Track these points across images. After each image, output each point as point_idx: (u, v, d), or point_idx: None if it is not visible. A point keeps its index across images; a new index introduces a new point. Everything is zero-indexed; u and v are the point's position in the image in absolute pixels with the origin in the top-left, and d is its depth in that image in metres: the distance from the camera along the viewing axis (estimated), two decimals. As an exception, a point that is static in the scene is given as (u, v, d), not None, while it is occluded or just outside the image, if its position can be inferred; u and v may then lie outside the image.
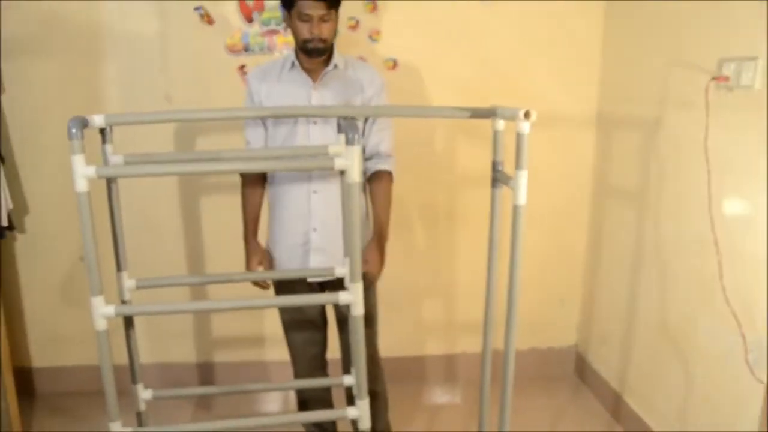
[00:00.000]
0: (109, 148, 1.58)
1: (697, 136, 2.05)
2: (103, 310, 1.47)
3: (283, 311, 2.19)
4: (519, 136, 1.47)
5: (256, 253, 2.11)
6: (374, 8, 2.64)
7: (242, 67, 2.67)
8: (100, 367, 1.52)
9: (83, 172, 1.38)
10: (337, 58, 2.00)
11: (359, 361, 1.54)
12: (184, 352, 2.98)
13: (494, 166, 1.70)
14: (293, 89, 1.98)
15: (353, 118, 1.54)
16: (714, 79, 1.97)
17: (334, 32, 1.94)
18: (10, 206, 2.43)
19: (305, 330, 2.19)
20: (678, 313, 2.28)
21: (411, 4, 2.66)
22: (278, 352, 2.91)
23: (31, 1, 2.53)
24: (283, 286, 2.13)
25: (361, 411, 1.56)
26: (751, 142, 1.86)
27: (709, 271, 2.02)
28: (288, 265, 2.09)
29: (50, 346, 2.91)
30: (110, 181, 1.60)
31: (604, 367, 2.89)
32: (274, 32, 2.66)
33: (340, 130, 1.57)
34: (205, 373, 3.01)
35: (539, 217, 2.78)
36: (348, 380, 1.73)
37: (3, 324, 2.36)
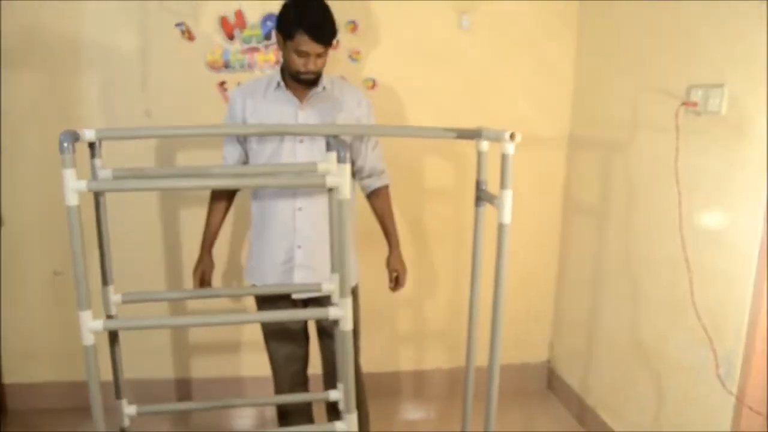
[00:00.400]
0: (98, 162, 1.57)
1: (667, 158, 2.13)
2: (91, 325, 1.46)
3: (266, 327, 2.20)
4: (504, 157, 1.52)
5: (204, 263, 2.21)
6: (355, 28, 2.69)
7: (222, 83, 2.69)
8: (87, 382, 1.51)
9: (74, 186, 1.38)
10: (324, 80, 2.03)
11: (348, 375, 1.56)
12: (159, 368, 2.94)
13: (478, 185, 1.75)
14: (279, 108, 2.01)
15: (343, 137, 1.57)
16: (683, 104, 2.06)
17: (325, 63, 1.98)
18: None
19: (288, 346, 2.20)
20: (649, 329, 2.35)
21: (391, 27, 2.72)
22: (254, 367, 2.91)
23: (13, 13, 2.51)
24: (266, 303, 2.14)
25: (349, 425, 1.58)
26: (719, 165, 1.95)
27: (680, 289, 2.10)
28: (271, 282, 2.10)
29: (22, 362, 2.85)
30: (98, 195, 1.60)
31: (577, 382, 2.95)
32: (254, 50, 2.68)
33: (329, 148, 1.60)
34: (182, 389, 2.98)
35: (512, 235, 2.84)
36: (334, 395, 1.74)
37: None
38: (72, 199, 1.39)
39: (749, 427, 1.91)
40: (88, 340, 1.48)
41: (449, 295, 3.02)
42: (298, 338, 2.22)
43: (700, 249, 2.04)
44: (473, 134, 1.64)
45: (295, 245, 2.06)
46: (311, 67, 1.91)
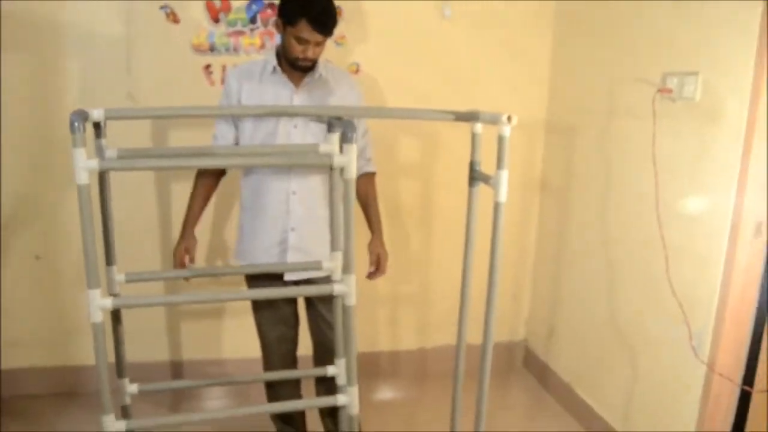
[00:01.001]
0: (103, 142, 1.59)
1: (643, 142, 2.24)
2: (100, 303, 1.48)
3: (259, 309, 2.23)
4: (500, 139, 1.59)
5: (187, 241, 2.17)
6: (340, 14, 2.72)
7: (208, 66, 2.70)
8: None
9: (85, 165, 1.39)
10: (320, 66, 2.07)
11: (350, 350, 1.61)
12: (146, 352, 2.94)
13: (472, 165, 1.81)
14: (275, 91, 2.04)
15: (350, 119, 1.62)
16: (659, 91, 2.16)
17: (322, 51, 2.02)
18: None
19: (279, 327, 2.25)
20: (625, 306, 2.47)
21: (375, 14, 2.77)
22: (237, 349, 2.96)
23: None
24: (258, 284, 2.18)
25: (350, 398, 1.63)
26: (694, 149, 2.07)
27: (655, 267, 2.21)
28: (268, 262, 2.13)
29: (12, 348, 2.81)
30: (103, 175, 1.62)
31: (554, 360, 3.06)
32: (240, 33, 2.70)
33: (331, 129, 1.64)
34: (174, 371, 3.01)
35: (490, 217, 2.94)
36: (332, 370, 1.80)
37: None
38: (82, 178, 1.40)
39: (718, 392, 2.06)
40: (97, 317, 1.49)
41: (419, 278, 3.12)
42: (289, 320, 2.27)
43: (675, 229, 2.15)
44: (470, 116, 1.71)
45: (289, 227, 2.10)
46: (309, 54, 1.96)
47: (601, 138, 2.58)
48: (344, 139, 1.49)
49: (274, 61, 2.05)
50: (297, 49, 1.95)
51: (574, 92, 2.82)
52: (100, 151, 1.57)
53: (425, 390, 3.08)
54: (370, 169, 2.27)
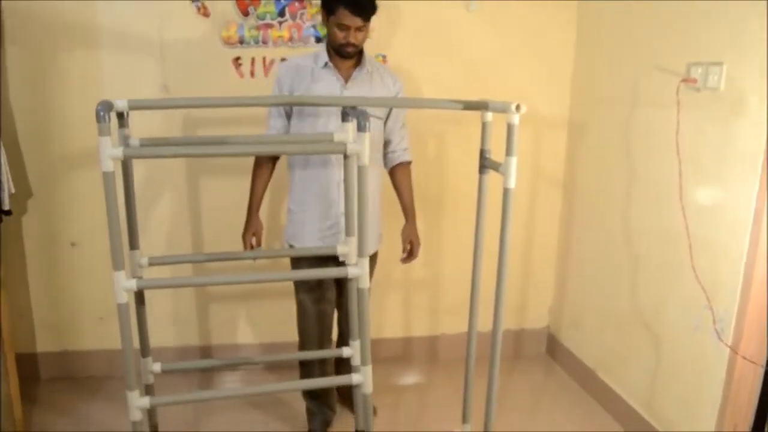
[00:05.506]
0: (126, 131, 1.67)
1: (667, 132, 2.23)
2: (125, 284, 1.57)
3: (303, 289, 2.34)
4: (510, 127, 1.61)
5: (254, 225, 2.35)
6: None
7: (237, 59, 2.77)
8: (121, 340, 1.59)
9: (110, 153, 1.47)
10: (367, 62, 2.21)
11: (364, 331, 1.67)
12: (176, 337, 3.06)
13: (482, 153, 1.84)
14: (326, 85, 2.16)
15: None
16: (683, 80, 2.14)
17: (366, 37, 2.15)
18: (12, 190, 2.48)
19: (320, 305, 2.35)
20: (649, 293, 2.47)
21: (402, 7, 2.80)
22: (263, 335, 3.06)
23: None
24: (305, 264, 2.27)
25: (365, 377, 1.69)
26: (717, 138, 2.05)
27: (679, 254, 2.22)
28: (318, 245, 2.26)
29: (53, 331, 2.96)
30: (127, 163, 1.70)
31: (576, 346, 3.07)
32: (269, 26, 2.76)
33: (344, 119, 1.68)
34: (201, 355, 3.10)
35: (514, 207, 2.95)
36: (347, 351, 1.85)
37: (3, 308, 2.33)
38: (107, 166, 1.48)
39: (742, 375, 2.06)
40: (122, 298, 1.57)
41: (458, 264, 3.11)
42: (330, 301, 2.38)
43: (699, 218, 2.14)
44: (480, 105, 1.73)
45: (340, 212, 2.19)
46: (351, 39, 2.08)
47: (625, 128, 2.57)
48: (358, 128, 1.54)
49: (325, 57, 2.16)
50: (339, 36, 2.08)
51: (598, 83, 2.80)
52: (124, 140, 1.65)
53: (438, 375, 3.12)
54: (406, 158, 2.39)
